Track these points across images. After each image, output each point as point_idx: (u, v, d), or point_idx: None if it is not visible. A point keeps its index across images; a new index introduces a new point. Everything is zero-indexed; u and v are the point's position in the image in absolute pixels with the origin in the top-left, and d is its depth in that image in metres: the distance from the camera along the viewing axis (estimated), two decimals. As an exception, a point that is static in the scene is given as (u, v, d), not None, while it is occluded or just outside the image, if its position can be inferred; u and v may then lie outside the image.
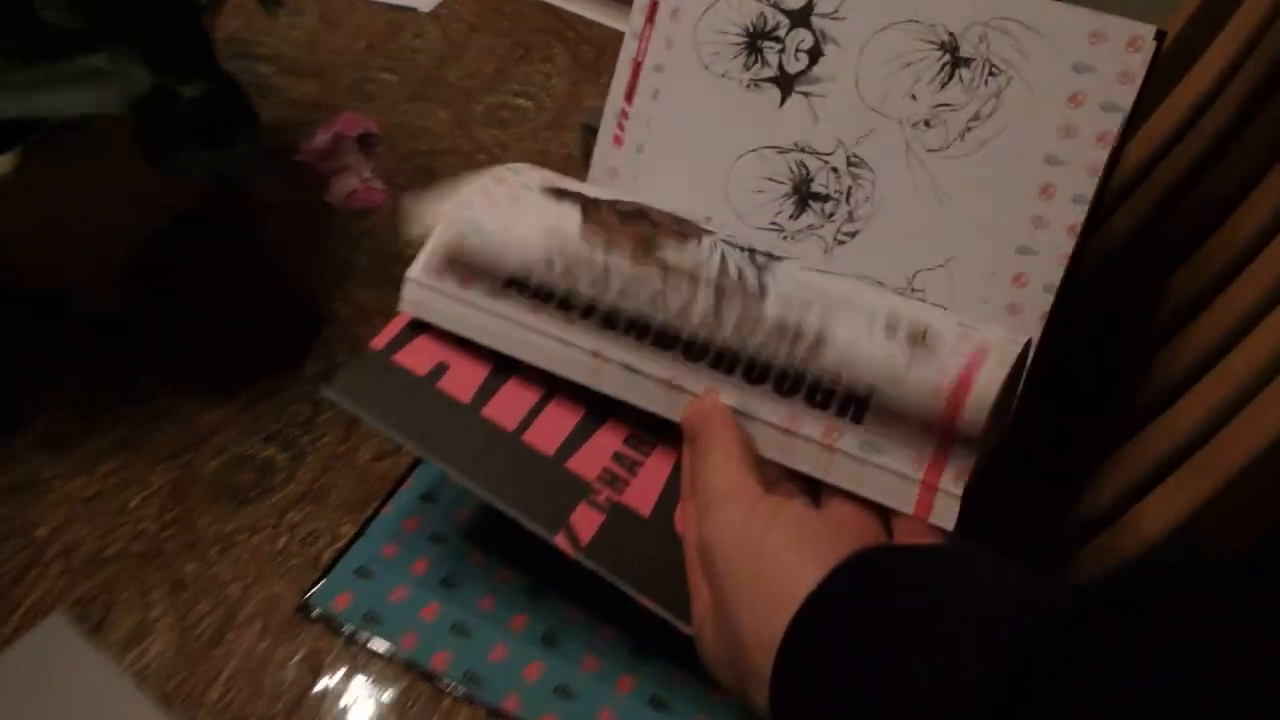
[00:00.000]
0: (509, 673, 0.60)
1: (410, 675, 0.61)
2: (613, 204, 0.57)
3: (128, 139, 0.62)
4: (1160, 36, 0.52)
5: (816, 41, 0.56)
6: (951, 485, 0.48)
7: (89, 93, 0.59)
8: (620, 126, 0.62)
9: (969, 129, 0.54)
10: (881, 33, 0.56)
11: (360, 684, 0.61)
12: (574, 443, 0.55)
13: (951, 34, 0.54)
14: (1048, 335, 0.54)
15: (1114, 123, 0.52)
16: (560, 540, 0.53)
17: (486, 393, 0.57)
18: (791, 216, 0.58)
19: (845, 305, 0.50)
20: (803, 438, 0.50)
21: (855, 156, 0.56)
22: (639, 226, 0.55)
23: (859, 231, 0.56)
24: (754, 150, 0.59)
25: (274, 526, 0.68)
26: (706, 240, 0.54)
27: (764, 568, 0.44)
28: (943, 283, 0.55)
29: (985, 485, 0.50)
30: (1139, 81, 0.52)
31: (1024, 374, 0.52)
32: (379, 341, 0.58)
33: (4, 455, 0.70)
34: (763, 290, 0.51)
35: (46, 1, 0.58)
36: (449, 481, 0.60)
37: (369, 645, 0.61)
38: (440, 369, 0.57)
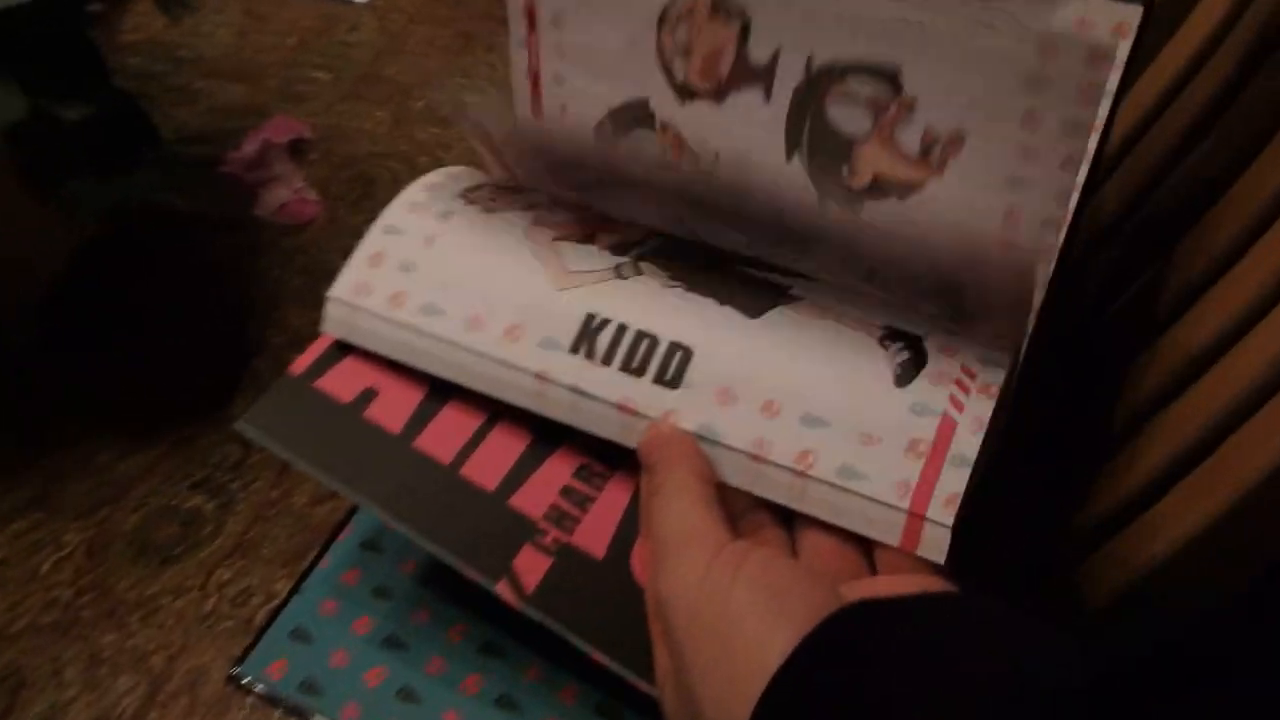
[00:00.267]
0: (464, 741, 0.56)
1: (355, 749, 0.57)
2: (553, 214, 0.54)
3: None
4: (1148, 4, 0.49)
5: None
6: (941, 513, 0.44)
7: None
8: (535, 93, 0.59)
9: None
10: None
11: (299, 763, 0.57)
12: (518, 476, 0.52)
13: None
14: (1038, 333, 0.50)
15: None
16: (502, 589, 0.49)
17: (419, 421, 0.53)
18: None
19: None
20: (772, 463, 0.47)
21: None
22: (584, 229, 0.53)
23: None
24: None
25: (201, 587, 0.64)
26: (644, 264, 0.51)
27: (727, 635, 0.39)
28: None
29: (980, 489, 0.46)
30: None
31: (1016, 378, 0.49)
32: (298, 366, 0.55)
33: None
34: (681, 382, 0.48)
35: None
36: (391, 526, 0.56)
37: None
38: (368, 395, 0.54)
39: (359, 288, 0.55)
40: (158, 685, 0.60)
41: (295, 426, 0.53)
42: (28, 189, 0.57)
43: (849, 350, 0.50)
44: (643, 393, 0.50)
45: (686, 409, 0.49)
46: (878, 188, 0.50)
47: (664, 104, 0.54)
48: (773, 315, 0.51)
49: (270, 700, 0.59)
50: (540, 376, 0.51)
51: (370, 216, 0.57)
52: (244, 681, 0.60)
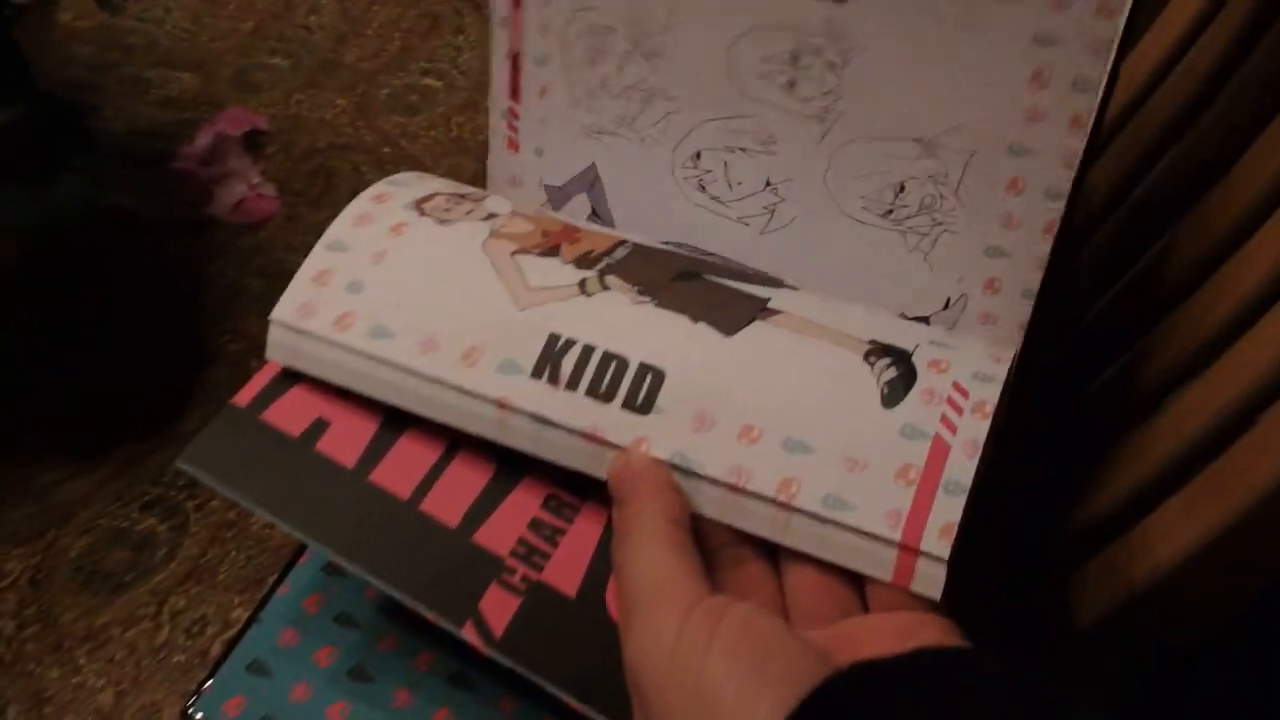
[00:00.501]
0: (433, 781, 0.54)
1: (317, 792, 0.56)
2: (513, 223, 0.51)
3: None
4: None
5: None
6: (935, 546, 0.42)
7: None
8: (512, 129, 0.56)
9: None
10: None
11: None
12: (482, 510, 0.50)
13: None
14: (1030, 338, 0.49)
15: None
16: (469, 632, 0.47)
17: (375, 454, 0.51)
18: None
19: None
20: (753, 494, 0.45)
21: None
22: (546, 241, 0.51)
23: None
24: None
25: (153, 617, 0.62)
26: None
27: (703, 709, 0.37)
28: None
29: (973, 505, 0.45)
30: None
31: (1010, 389, 0.47)
32: (243, 397, 0.52)
33: None
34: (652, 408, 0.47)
35: None
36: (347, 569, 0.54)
37: (267, 760, 0.56)
38: (318, 427, 0.51)
39: (303, 310, 0.52)
40: (107, 725, 0.59)
41: (241, 462, 0.51)
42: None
43: (832, 368, 0.48)
44: (612, 419, 0.48)
45: (659, 436, 0.47)
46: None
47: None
48: (750, 331, 0.49)
49: (226, 740, 0.57)
50: (501, 404, 0.49)
51: (331, 213, 0.55)
52: (198, 719, 0.58)
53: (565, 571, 0.49)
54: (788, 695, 0.36)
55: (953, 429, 0.45)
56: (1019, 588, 0.57)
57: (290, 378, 0.52)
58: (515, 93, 0.56)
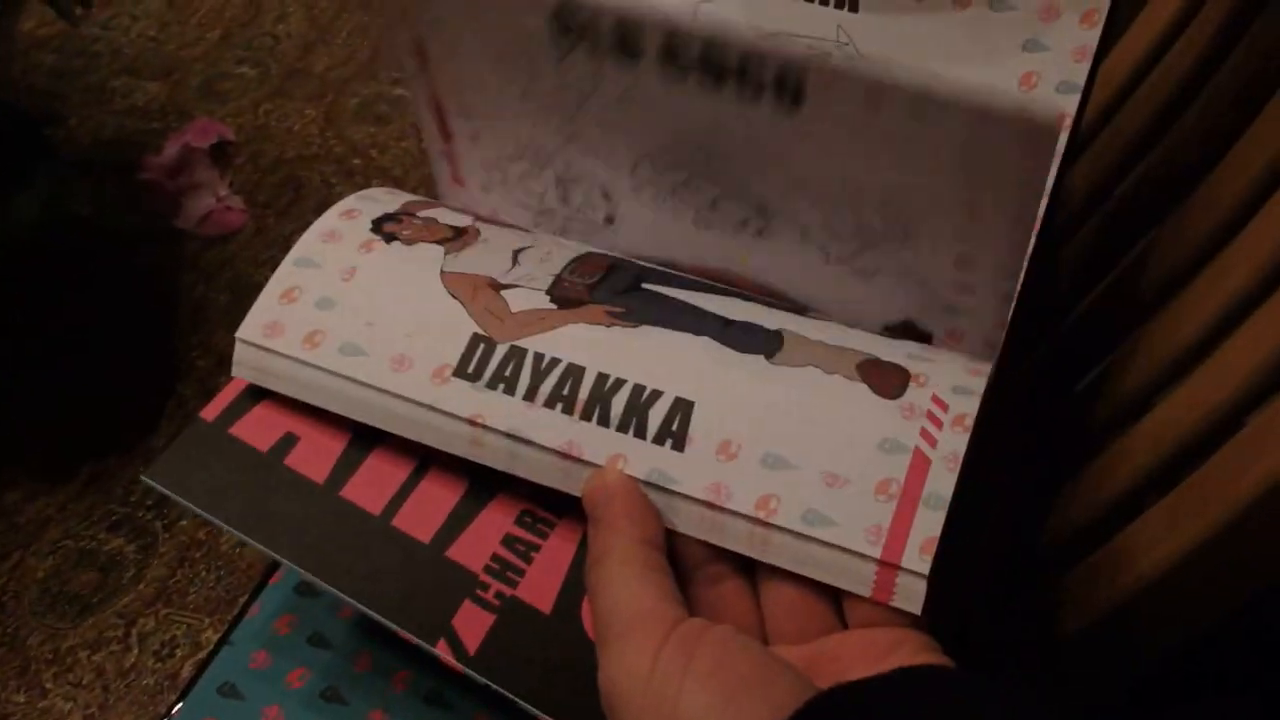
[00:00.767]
0: (408, 805, 0.54)
1: (290, 817, 0.56)
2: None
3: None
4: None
5: None
6: (916, 562, 0.43)
7: None
8: (453, 164, 0.56)
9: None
10: None
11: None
12: (455, 526, 0.50)
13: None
14: (1011, 332, 0.49)
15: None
16: (442, 650, 0.47)
17: (345, 468, 0.51)
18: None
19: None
20: (731, 512, 0.45)
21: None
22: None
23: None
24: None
25: (121, 639, 0.62)
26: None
27: None
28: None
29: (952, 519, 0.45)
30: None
31: (990, 396, 0.47)
32: (211, 411, 0.52)
33: None
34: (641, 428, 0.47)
35: None
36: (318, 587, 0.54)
37: (238, 784, 0.56)
38: (288, 442, 0.51)
39: (270, 328, 0.52)
40: (74, 751, 0.59)
41: (208, 478, 0.51)
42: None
43: (810, 382, 0.48)
44: (587, 436, 0.48)
45: (635, 452, 0.47)
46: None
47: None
48: (726, 346, 0.49)
49: (197, 764, 0.57)
50: (474, 421, 0.49)
51: (300, 224, 0.55)
52: (169, 743, 0.58)
53: (540, 587, 0.49)
54: None
55: (933, 442, 0.45)
56: (1002, 596, 0.57)
57: (259, 392, 0.52)
58: (447, 137, 0.56)
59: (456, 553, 0.50)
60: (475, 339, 0.50)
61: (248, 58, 0.97)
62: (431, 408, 0.49)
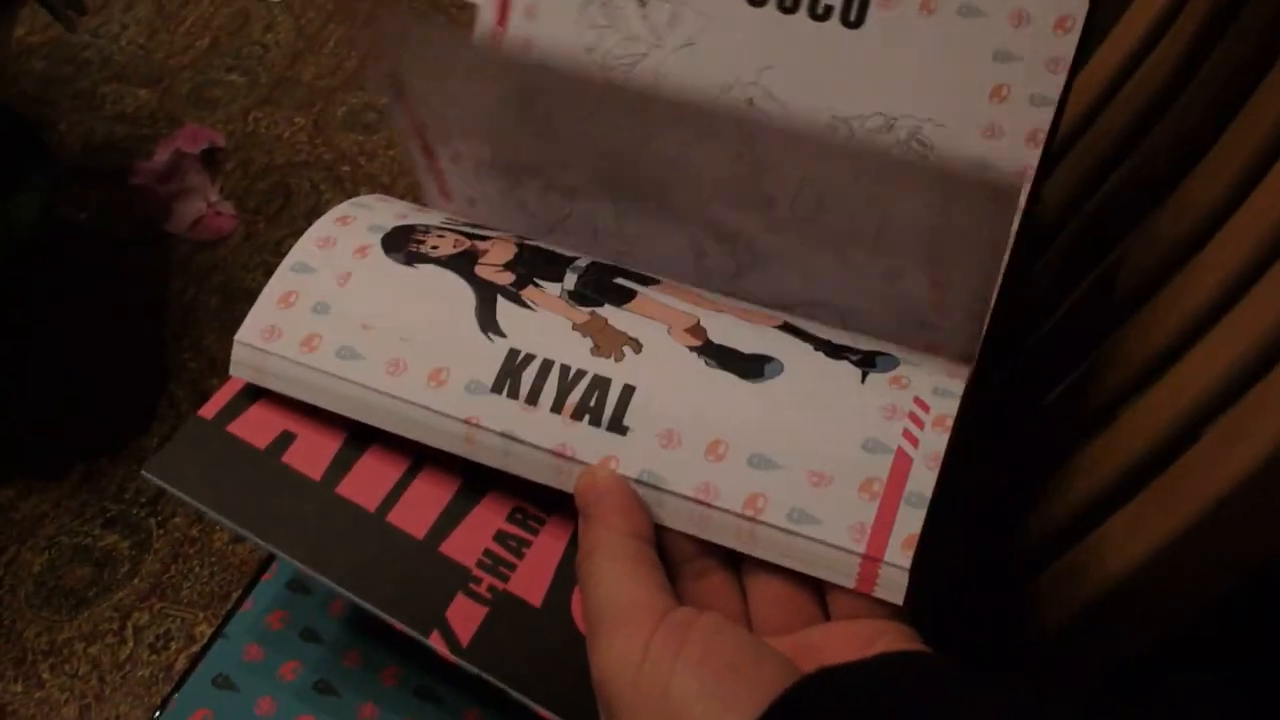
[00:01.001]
0: (398, 793, 0.56)
1: (282, 804, 0.57)
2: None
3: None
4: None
5: None
6: (899, 556, 0.44)
7: None
8: (440, 180, 0.58)
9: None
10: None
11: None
12: (448, 522, 0.51)
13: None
14: (986, 351, 0.51)
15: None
16: (436, 640, 0.49)
17: (341, 466, 0.53)
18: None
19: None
20: (720, 509, 0.46)
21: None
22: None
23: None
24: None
25: (117, 632, 0.63)
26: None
27: None
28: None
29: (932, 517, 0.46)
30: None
31: (967, 402, 0.49)
32: (209, 409, 0.54)
33: None
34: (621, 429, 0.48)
35: None
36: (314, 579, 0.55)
37: (232, 772, 0.57)
38: (285, 439, 0.53)
39: (268, 332, 0.53)
40: (71, 739, 0.60)
41: (206, 473, 0.52)
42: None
43: (796, 388, 0.49)
44: (580, 436, 0.49)
45: (627, 453, 0.49)
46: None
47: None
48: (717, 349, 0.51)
49: (192, 753, 0.58)
50: (469, 422, 0.50)
51: (289, 230, 0.56)
52: (164, 734, 0.59)
53: (531, 582, 0.50)
54: (754, 704, 0.37)
55: (915, 442, 0.47)
56: (979, 597, 0.57)
57: (256, 392, 0.54)
58: (431, 157, 0.57)
59: (450, 548, 0.51)
60: (469, 340, 0.52)
61: (236, 66, 0.98)
62: (427, 409, 0.51)
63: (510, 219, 0.58)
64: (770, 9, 0.57)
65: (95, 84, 0.97)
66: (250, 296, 0.54)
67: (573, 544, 0.51)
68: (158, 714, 0.60)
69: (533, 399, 0.50)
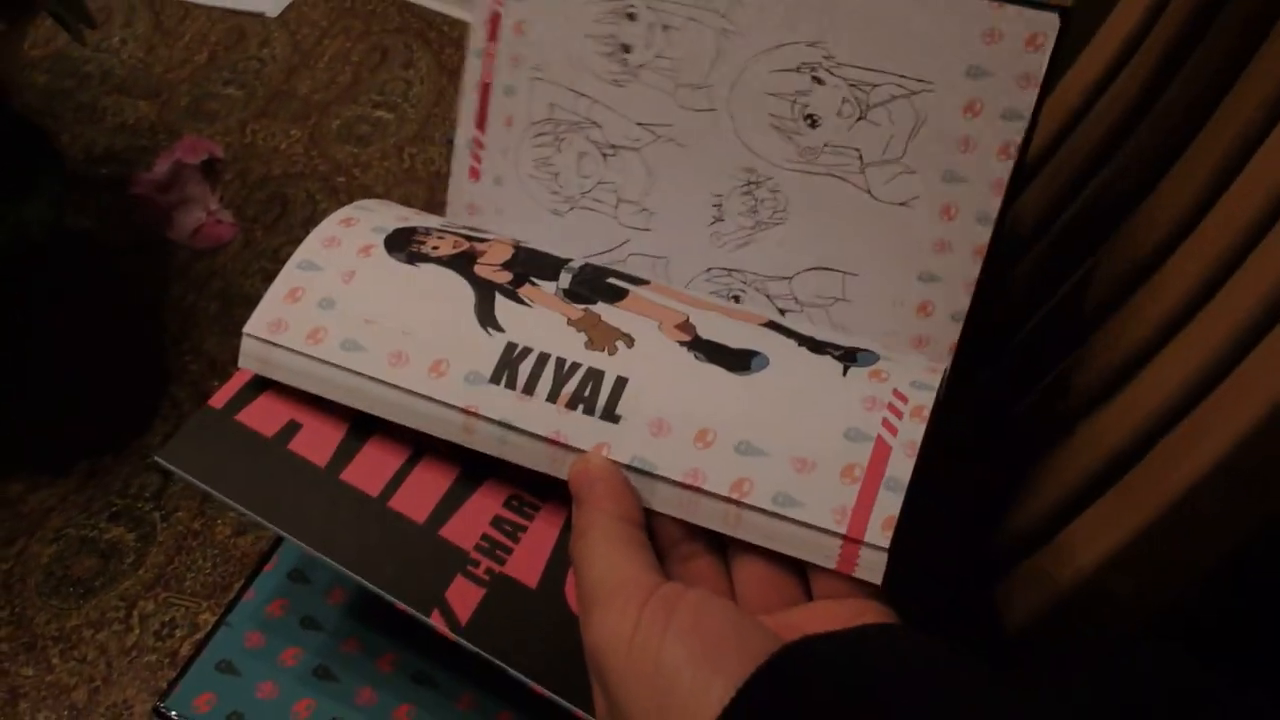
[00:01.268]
0: (394, 773, 0.57)
1: (284, 783, 0.58)
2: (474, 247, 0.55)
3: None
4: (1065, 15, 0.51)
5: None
6: (878, 537, 0.46)
7: None
8: (476, 158, 0.60)
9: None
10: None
11: (227, 798, 0.58)
12: (448, 507, 0.53)
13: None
14: (963, 342, 0.52)
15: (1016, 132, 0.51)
16: (436, 620, 0.51)
17: (346, 454, 0.54)
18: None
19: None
20: (707, 493, 0.48)
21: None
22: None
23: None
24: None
25: (123, 620, 0.65)
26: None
27: (663, 689, 0.40)
28: (846, 312, 0.54)
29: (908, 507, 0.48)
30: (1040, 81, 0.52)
31: (941, 406, 0.51)
32: (219, 399, 0.56)
33: None
34: (614, 417, 0.50)
35: None
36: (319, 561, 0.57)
37: (235, 751, 0.59)
38: (291, 428, 0.55)
39: (275, 325, 0.55)
40: (80, 719, 0.61)
41: (216, 459, 0.54)
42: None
43: (782, 382, 0.51)
44: (574, 425, 0.51)
45: (619, 441, 0.50)
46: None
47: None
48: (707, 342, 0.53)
49: (197, 734, 0.60)
50: (468, 411, 0.52)
51: (286, 238, 0.58)
52: (170, 715, 0.60)
53: (526, 565, 0.52)
54: (742, 669, 0.39)
55: (894, 431, 0.49)
56: (954, 593, 0.59)
57: (263, 383, 0.56)
58: (482, 122, 0.59)
59: (449, 532, 0.53)
60: (467, 333, 0.54)
61: (234, 80, 1.00)
62: (428, 399, 0.53)
63: (533, 197, 0.59)
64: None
65: (96, 96, 0.98)
66: (249, 301, 0.55)
67: (566, 529, 0.53)
68: (164, 697, 0.61)
69: (529, 389, 0.52)
